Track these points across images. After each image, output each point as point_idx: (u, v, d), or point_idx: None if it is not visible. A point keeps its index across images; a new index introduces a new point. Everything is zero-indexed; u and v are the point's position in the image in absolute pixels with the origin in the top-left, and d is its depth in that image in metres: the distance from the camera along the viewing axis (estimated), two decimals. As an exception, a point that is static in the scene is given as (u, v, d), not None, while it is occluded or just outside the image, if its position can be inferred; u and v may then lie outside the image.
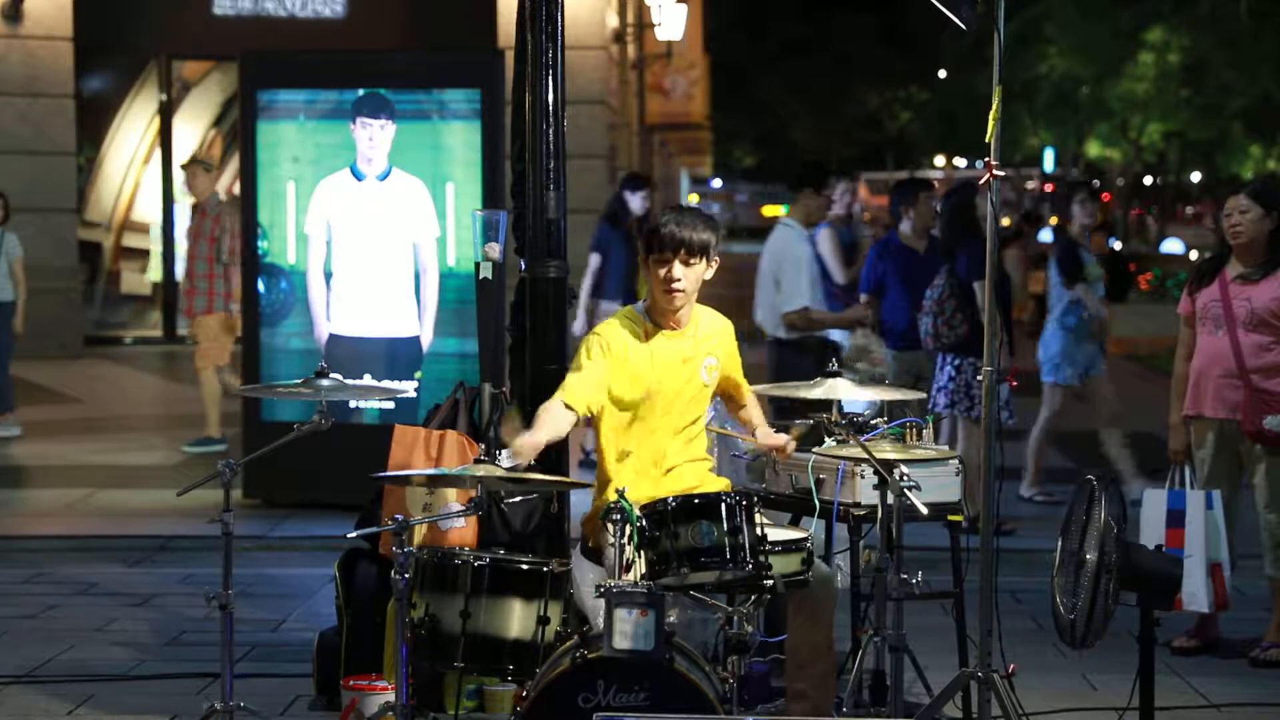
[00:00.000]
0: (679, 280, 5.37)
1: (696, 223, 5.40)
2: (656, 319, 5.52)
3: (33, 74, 17.87)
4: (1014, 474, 8.82)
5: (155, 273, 20.28)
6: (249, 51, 10.48)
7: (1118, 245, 31.56)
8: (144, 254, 20.42)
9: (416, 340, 9.54)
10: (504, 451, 5.11)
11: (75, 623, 7.48)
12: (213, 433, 11.95)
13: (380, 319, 9.61)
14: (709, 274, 5.46)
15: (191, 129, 20.49)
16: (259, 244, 9.75)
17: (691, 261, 5.37)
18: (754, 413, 5.81)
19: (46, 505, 10.23)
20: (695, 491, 5.34)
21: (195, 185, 11.98)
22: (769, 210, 60.73)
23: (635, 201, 11.71)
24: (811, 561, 5.19)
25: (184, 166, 12.55)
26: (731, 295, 11.36)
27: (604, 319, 10.78)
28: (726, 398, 5.83)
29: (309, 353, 9.47)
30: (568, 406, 5.31)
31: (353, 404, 9.47)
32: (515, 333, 6.28)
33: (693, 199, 55.13)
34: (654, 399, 5.45)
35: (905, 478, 5.20)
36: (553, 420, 5.28)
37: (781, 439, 5.66)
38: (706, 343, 5.55)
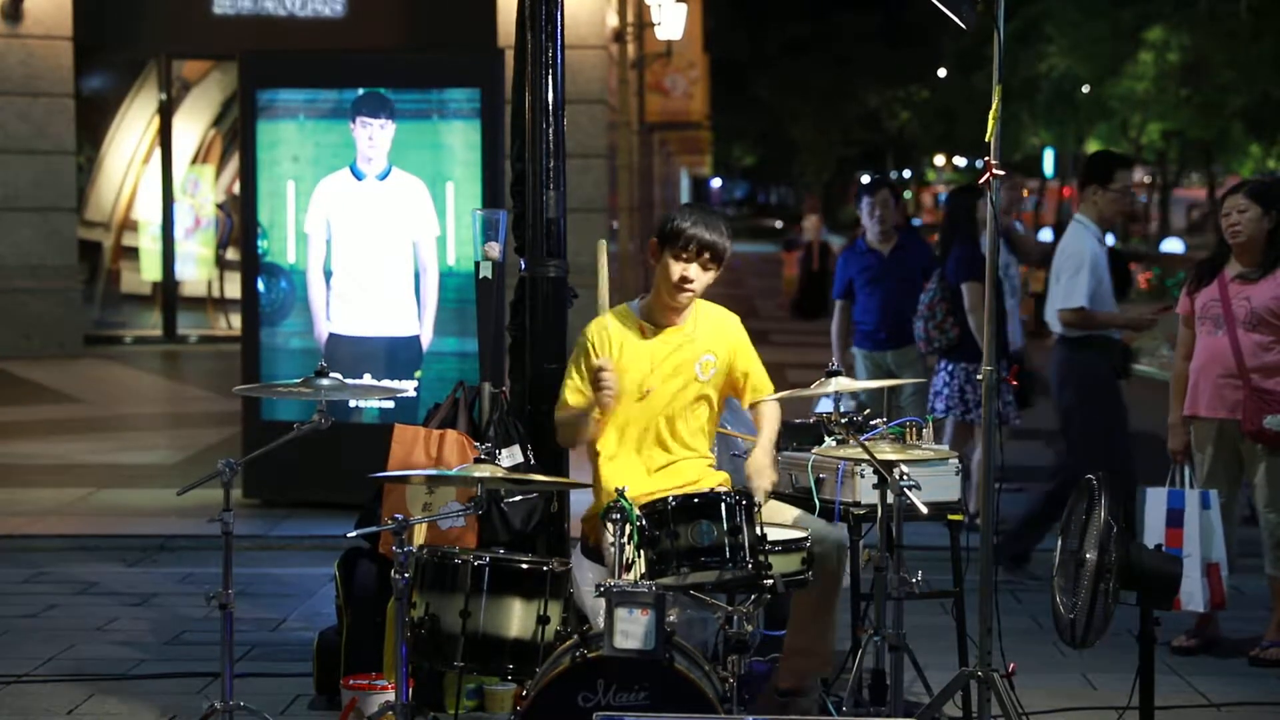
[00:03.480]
0: (693, 281, 5.41)
1: (721, 228, 5.44)
2: (655, 316, 5.52)
3: (33, 74, 17.86)
4: (1013, 474, 8.78)
5: (155, 272, 20.26)
6: (249, 51, 10.48)
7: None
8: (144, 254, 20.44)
9: (416, 339, 9.54)
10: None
11: (75, 622, 7.48)
12: None
13: (380, 318, 9.60)
14: (712, 280, 5.50)
15: (191, 129, 20.48)
16: (259, 243, 9.75)
17: (709, 266, 5.42)
18: (765, 425, 5.58)
19: (47, 505, 10.22)
20: (694, 488, 5.35)
21: None
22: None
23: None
24: (812, 561, 5.19)
25: None
26: (730, 294, 11.35)
27: None
28: (739, 396, 5.70)
29: (309, 352, 9.47)
30: None
31: (352, 403, 9.46)
32: (515, 332, 6.28)
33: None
34: (649, 397, 5.45)
35: (905, 477, 5.20)
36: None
37: (757, 482, 5.40)
38: (705, 338, 5.54)
